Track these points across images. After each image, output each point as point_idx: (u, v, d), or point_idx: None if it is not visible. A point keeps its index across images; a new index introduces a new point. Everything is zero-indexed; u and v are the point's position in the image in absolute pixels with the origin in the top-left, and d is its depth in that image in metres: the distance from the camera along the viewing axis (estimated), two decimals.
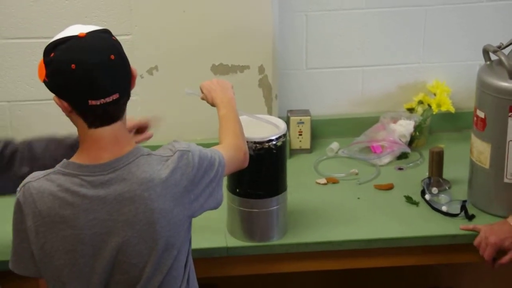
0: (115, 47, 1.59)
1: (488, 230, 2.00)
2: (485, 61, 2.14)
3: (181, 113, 2.45)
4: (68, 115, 1.62)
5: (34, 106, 2.43)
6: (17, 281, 1.87)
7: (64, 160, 1.64)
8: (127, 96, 1.62)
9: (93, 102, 1.56)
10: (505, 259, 2.00)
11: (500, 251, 2.00)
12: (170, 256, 1.63)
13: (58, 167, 1.63)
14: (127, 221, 1.59)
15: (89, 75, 1.54)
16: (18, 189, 1.64)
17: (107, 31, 1.63)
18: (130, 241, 1.60)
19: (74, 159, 1.63)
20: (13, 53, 2.37)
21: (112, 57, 1.56)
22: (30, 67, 2.39)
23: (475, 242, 2.02)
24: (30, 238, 1.63)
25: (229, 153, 1.76)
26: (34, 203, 1.60)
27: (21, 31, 2.35)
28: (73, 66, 1.54)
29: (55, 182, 1.60)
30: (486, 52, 2.13)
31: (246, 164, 1.83)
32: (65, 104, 1.59)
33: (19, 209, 1.63)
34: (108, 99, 1.56)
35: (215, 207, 1.72)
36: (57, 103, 1.61)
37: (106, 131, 1.60)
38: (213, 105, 1.90)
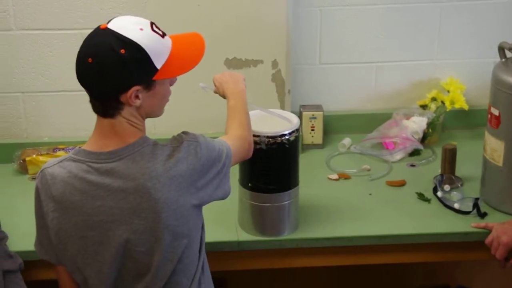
0: (102, 54, 1.56)
1: (500, 229, 1.99)
2: (501, 58, 2.13)
3: (193, 106, 2.45)
4: None
5: (48, 98, 2.44)
6: (39, 270, 1.91)
7: (77, 147, 1.66)
8: (110, 101, 1.60)
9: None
10: None
11: None
12: (180, 245, 1.64)
13: (70, 153, 1.66)
14: (132, 208, 1.61)
15: (77, 59, 1.61)
16: (37, 175, 1.68)
17: (124, 40, 1.56)
18: (137, 229, 1.61)
19: (85, 146, 1.67)
20: (28, 44, 2.38)
21: (89, 60, 1.57)
22: (45, 58, 2.40)
23: (487, 241, 2.01)
24: (47, 224, 1.67)
25: (234, 144, 1.77)
26: (49, 188, 1.64)
27: (37, 22, 2.35)
28: (80, 47, 1.62)
29: (66, 168, 1.63)
30: (501, 49, 2.12)
31: (250, 154, 1.84)
32: None
33: (37, 195, 1.68)
34: (84, 89, 1.62)
35: (223, 198, 1.74)
36: None
37: (104, 122, 1.63)
38: (224, 97, 1.90)
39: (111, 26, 1.59)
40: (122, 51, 1.56)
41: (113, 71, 1.57)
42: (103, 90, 1.59)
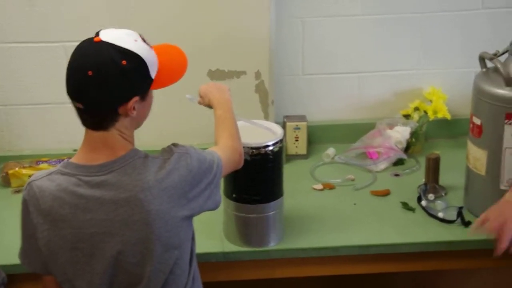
0: (103, 66, 1.55)
1: (499, 214, 1.85)
2: (481, 68, 2.14)
3: (177, 118, 2.45)
4: None
5: (31, 110, 2.43)
6: (23, 284, 1.92)
7: (65, 159, 1.66)
8: (107, 113, 1.59)
9: (69, 97, 1.61)
10: None
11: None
12: (172, 256, 1.64)
13: (59, 166, 1.66)
14: (124, 221, 1.60)
15: (68, 71, 1.60)
16: (24, 187, 1.67)
17: (124, 51, 1.56)
18: (129, 241, 1.61)
19: (74, 159, 1.66)
20: (11, 57, 2.37)
21: (90, 73, 1.55)
22: (29, 71, 2.39)
23: (491, 228, 1.86)
24: (36, 235, 1.65)
25: (225, 155, 1.77)
26: (37, 201, 1.63)
27: (19, 35, 2.34)
28: (70, 58, 1.61)
29: (55, 181, 1.63)
30: (482, 59, 2.14)
31: (241, 165, 1.84)
32: None
33: (25, 206, 1.67)
34: (74, 103, 1.60)
35: (214, 208, 1.74)
36: None
37: (95, 135, 1.62)
38: (210, 107, 1.90)
39: (105, 38, 1.59)
40: (124, 62, 1.56)
41: (115, 82, 1.56)
42: (103, 102, 1.58)
